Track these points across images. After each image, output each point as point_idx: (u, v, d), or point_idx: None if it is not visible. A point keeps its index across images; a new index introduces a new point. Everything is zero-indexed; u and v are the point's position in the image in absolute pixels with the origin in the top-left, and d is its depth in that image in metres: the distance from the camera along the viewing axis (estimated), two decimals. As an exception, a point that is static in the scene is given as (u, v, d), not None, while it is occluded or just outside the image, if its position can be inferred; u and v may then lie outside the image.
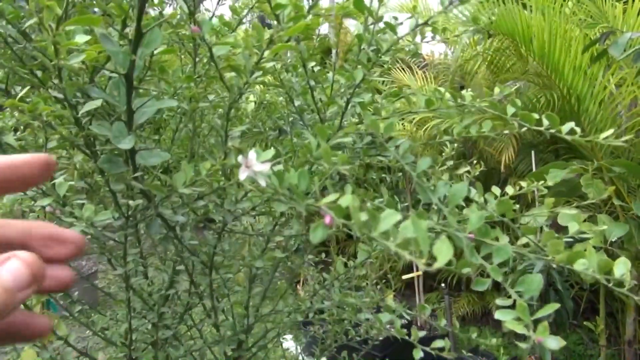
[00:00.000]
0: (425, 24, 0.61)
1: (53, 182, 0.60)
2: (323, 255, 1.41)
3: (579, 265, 0.45)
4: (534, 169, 3.41)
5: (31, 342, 0.24)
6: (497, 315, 0.42)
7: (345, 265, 0.99)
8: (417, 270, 4.23)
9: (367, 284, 1.27)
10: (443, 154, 1.02)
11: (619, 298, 3.45)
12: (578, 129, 0.58)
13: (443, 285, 4.23)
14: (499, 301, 0.43)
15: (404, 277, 3.98)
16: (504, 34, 3.58)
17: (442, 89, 0.65)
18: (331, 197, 0.36)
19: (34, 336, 0.27)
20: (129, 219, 0.63)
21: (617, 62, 3.06)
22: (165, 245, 0.69)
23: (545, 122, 0.57)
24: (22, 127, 0.79)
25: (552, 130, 0.56)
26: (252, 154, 0.35)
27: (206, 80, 0.80)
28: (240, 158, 0.34)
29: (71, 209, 0.58)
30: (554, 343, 0.39)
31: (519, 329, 0.40)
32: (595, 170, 2.93)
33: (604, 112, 3.16)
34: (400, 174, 1.09)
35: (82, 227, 0.55)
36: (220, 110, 0.67)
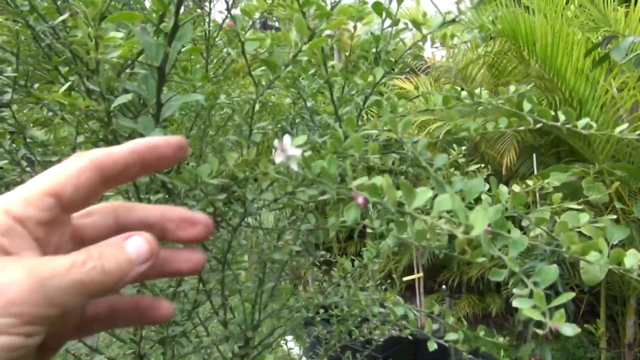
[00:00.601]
0: (450, 22, 0.62)
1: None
2: (328, 255, 1.43)
3: (591, 257, 0.47)
4: (535, 172, 3.43)
5: (156, 324, 0.26)
6: (515, 303, 0.44)
7: (352, 263, 1.01)
8: (418, 272, 4.24)
9: (371, 283, 1.28)
10: (450, 156, 1.04)
11: (619, 301, 3.47)
12: (594, 124, 0.60)
13: (444, 287, 4.25)
14: (516, 290, 0.45)
15: (405, 278, 3.99)
16: (506, 37, 3.60)
17: (458, 88, 0.67)
18: (362, 180, 0.37)
19: (158, 319, 0.29)
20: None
21: (618, 66, 3.08)
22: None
23: (562, 117, 0.59)
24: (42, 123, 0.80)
25: (568, 125, 0.57)
26: (286, 138, 0.36)
27: (222, 80, 0.82)
28: (276, 142, 0.36)
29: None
30: (569, 329, 0.41)
31: (536, 316, 0.42)
32: (596, 173, 2.95)
33: (605, 115, 3.18)
34: (402, 176, 1.11)
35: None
36: (227, 109, 0.68)
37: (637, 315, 3.33)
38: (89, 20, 0.39)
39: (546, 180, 0.91)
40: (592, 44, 2.92)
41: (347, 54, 0.83)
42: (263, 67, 0.56)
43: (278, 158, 0.39)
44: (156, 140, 0.28)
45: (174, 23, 0.39)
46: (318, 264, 1.35)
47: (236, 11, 1.05)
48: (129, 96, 0.48)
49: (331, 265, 1.46)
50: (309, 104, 0.98)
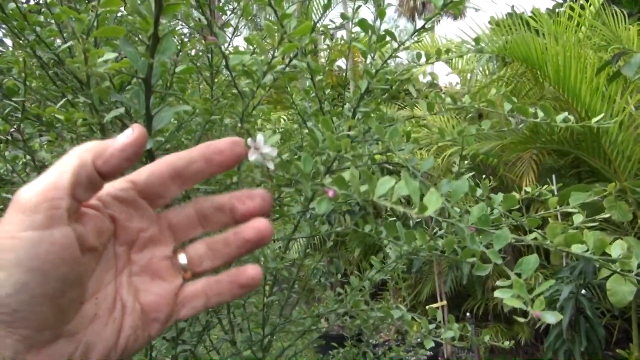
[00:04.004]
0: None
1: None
2: (339, 276, 1.42)
3: (576, 248, 0.47)
4: (555, 194, 3.38)
5: (247, 291, 0.28)
6: (497, 293, 0.44)
7: (359, 274, 1.01)
8: (441, 300, 4.15)
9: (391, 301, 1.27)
10: (453, 169, 1.04)
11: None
12: (572, 117, 0.60)
13: (468, 314, 4.14)
14: (499, 282, 0.45)
15: (428, 307, 3.91)
16: (518, 60, 3.62)
17: (442, 95, 0.68)
18: (331, 178, 0.39)
19: (248, 283, 0.32)
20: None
21: (634, 83, 3.05)
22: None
23: (540, 113, 0.60)
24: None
25: (547, 121, 0.58)
26: (259, 136, 0.38)
27: (224, 104, 0.85)
28: (249, 140, 0.37)
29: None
30: (552, 317, 0.40)
31: (518, 305, 0.41)
32: (618, 192, 2.88)
33: (624, 133, 3.13)
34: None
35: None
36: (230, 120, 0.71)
37: (674, 341, 3.17)
38: (77, 35, 0.42)
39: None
40: (604, 62, 2.91)
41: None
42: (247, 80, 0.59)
43: (252, 156, 0.40)
44: (219, 143, 0.30)
45: (153, 34, 0.42)
46: (330, 284, 1.35)
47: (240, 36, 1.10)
48: (122, 109, 0.50)
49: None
50: (309, 124, 1.01)
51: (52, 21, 0.69)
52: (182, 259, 0.32)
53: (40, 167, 0.76)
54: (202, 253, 0.32)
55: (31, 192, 0.26)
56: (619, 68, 2.32)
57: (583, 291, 3.11)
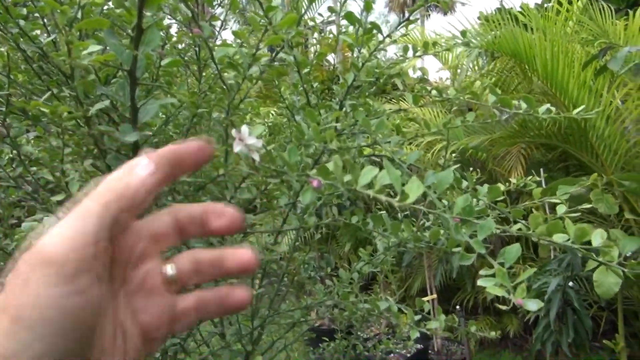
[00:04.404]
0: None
1: (66, 181, 0.65)
2: (329, 269, 1.43)
3: (557, 237, 0.47)
4: (543, 187, 3.41)
5: (236, 311, 0.28)
6: (480, 282, 0.44)
7: (349, 269, 1.01)
8: (432, 294, 4.18)
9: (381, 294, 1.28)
10: (440, 161, 1.05)
11: (640, 317, 3.37)
12: (553, 108, 0.61)
13: (458, 307, 4.17)
14: (482, 271, 0.46)
15: (417, 299, 3.93)
16: (507, 55, 3.64)
17: (428, 88, 0.69)
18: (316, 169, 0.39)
19: (236, 305, 0.31)
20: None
21: (621, 78, 3.08)
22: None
23: (523, 105, 0.60)
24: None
25: (530, 112, 0.59)
26: (244, 128, 0.38)
27: (212, 99, 0.85)
28: (234, 131, 0.37)
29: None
30: (534, 305, 0.41)
31: (500, 293, 0.42)
32: (605, 185, 2.92)
33: (611, 127, 3.17)
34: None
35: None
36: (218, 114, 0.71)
37: (660, 331, 3.23)
38: (60, 27, 0.42)
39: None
40: (591, 57, 2.94)
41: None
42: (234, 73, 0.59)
43: (237, 147, 0.40)
44: (179, 147, 0.30)
45: (137, 26, 0.42)
46: (319, 278, 1.35)
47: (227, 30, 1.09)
48: (107, 102, 0.50)
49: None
50: (298, 117, 1.01)
51: (37, 14, 0.69)
52: (171, 269, 0.31)
53: (24, 162, 0.75)
54: (188, 269, 0.31)
55: (56, 245, 0.25)
56: (605, 62, 2.35)
57: (570, 283, 3.15)
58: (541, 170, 3.38)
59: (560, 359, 3.29)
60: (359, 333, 1.43)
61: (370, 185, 0.34)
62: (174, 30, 1.03)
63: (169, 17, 0.88)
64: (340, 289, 0.93)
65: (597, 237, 0.47)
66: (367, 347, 1.48)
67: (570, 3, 3.76)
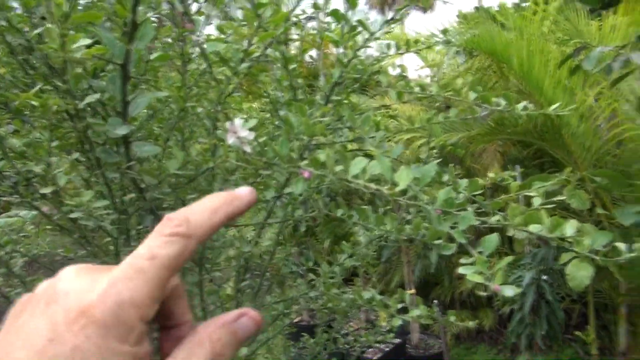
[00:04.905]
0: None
1: (53, 174, 0.65)
2: (310, 264, 1.45)
3: (533, 228, 0.50)
4: (519, 183, 3.48)
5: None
6: (461, 270, 0.47)
7: (330, 263, 1.03)
8: (410, 289, 4.24)
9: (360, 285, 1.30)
10: (421, 155, 1.07)
11: (610, 310, 3.48)
12: (531, 105, 0.64)
13: (436, 302, 4.24)
14: (463, 260, 0.48)
15: (399, 290, 3.98)
16: (484, 53, 3.71)
17: (412, 84, 0.71)
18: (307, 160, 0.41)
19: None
20: (122, 213, 0.67)
21: (594, 77, 3.17)
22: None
23: (502, 102, 0.63)
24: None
25: (509, 109, 0.61)
26: (238, 121, 0.40)
27: (197, 93, 0.85)
28: (227, 124, 0.39)
29: (70, 200, 0.62)
30: (510, 291, 0.43)
31: (479, 280, 0.44)
32: (578, 181, 3.00)
33: (584, 125, 3.26)
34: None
35: (80, 214, 0.59)
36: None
37: (629, 323, 3.34)
38: (55, 20, 0.42)
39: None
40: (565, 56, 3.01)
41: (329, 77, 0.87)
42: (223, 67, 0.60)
43: (230, 140, 0.42)
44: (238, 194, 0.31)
45: (132, 20, 0.43)
46: (301, 273, 1.37)
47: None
48: (97, 95, 0.51)
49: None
50: (281, 113, 1.02)
51: (19, 7, 0.68)
52: None
53: (8, 154, 0.75)
54: None
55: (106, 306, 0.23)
56: (579, 62, 2.41)
57: (544, 277, 3.24)
58: (517, 166, 3.46)
59: (534, 351, 3.38)
60: (339, 327, 1.45)
61: (360, 176, 0.36)
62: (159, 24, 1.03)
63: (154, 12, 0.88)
64: (323, 282, 0.95)
65: (570, 227, 0.50)
66: (347, 340, 1.51)
67: (546, 3, 3.84)
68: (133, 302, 0.24)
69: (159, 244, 0.26)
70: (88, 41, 0.52)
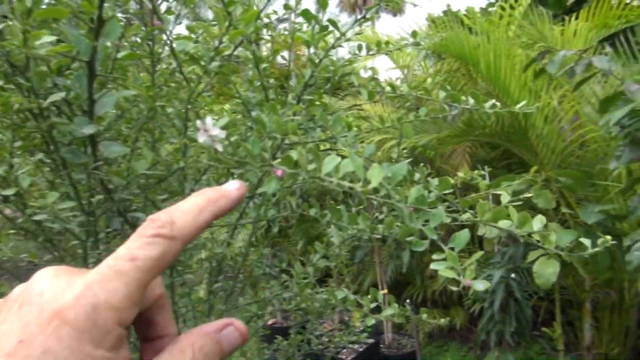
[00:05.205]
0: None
1: (16, 175, 0.63)
2: (284, 265, 1.44)
3: (503, 224, 0.51)
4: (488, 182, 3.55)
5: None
6: (433, 265, 0.47)
7: (303, 264, 1.03)
8: (383, 289, 4.27)
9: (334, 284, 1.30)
10: (393, 154, 1.08)
11: (575, 306, 3.59)
12: (498, 104, 0.65)
13: (408, 301, 4.29)
14: (435, 256, 0.49)
15: (369, 296, 4.01)
16: (453, 56, 3.78)
17: (383, 84, 0.72)
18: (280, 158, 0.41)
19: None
20: (89, 215, 0.66)
21: (557, 80, 3.27)
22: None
23: (471, 100, 0.64)
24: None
25: (477, 107, 0.63)
26: (208, 119, 0.39)
27: (167, 93, 0.84)
28: (198, 122, 0.38)
29: (34, 202, 0.60)
30: (481, 285, 0.44)
31: (451, 275, 0.45)
32: (544, 181, 3.09)
33: (549, 126, 3.35)
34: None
35: (45, 216, 0.57)
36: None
37: (593, 319, 3.44)
38: (17, 15, 0.41)
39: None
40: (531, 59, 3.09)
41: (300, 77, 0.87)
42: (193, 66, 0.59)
43: (201, 138, 0.41)
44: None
45: (98, 16, 0.42)
46: (274, 274, 1.36)
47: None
48: (63, 93, 0.49)
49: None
50: (253, 113, 1.02)
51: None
52: None
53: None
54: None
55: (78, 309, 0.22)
56: (544, 65, 2.48)
57: (513, 275, 3.31)
58: (485, 167, 3.53)
59: (504, 347, 3.45)
60: (312, 328, 1.45)
61: (333, 174, 0.36)
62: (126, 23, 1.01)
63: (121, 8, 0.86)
64: (296, 283, 0.95)
65: (537, 222, 0.51)
66: (321, 341, 1.51)
67: (512, 8, 3.94)
68: (110, 304, 0.23)
69: (139, 245, 0.25)
70: (52, 38, 0.51)
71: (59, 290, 0.23)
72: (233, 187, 0.30)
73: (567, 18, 3.75)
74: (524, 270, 3.58)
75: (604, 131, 2.74)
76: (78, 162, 0.54)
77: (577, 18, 3.70)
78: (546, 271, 2.67)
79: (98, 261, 0.83)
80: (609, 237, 0.61)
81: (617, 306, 3.43)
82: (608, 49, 3.48)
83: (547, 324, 4.00)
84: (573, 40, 3.54)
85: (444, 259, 0.47)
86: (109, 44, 0.46)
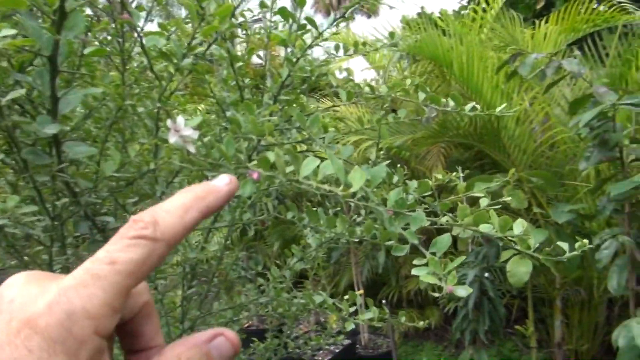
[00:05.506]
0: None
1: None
2: (260, 267, 1.42)
3: (483, 227, 0.50)
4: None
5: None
6: (414, 271, 0.46)
7: (279, 267, 1.01)
8: (359, 290, 4.28)
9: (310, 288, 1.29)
10: (371, 156, 1.08)
11: (546, 303, 3.67)
12: (479, 106, 0.65)
13: (384, 301, 4.31)
14: (416, 261, 0.47)
15: (346, 297, 4.01)
16: (427, 58, 3.81)
17: (361, 84, 0.71)
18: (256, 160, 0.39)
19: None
20: (54, 220, 0.62)
21: (528, 82, 3.34)
22: (92, 250, 0.68)
23: (451, 102, 0.64)
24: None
25: (457, 110, 0.62)
26: (180, 118, 0.37)
27: (137, 93, 0.81)
28: (169, 122, 0.36)
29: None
30: (463, 291, 0.43)
31: (433, 281, 0.44)
32: (516, 181, 3.14)
33: (520, 128, 3.41)
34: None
35: (6, 221, 0.53)
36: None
37: (563, 316, 3.52)
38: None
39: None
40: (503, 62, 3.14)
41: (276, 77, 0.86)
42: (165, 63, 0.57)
43: (172, 139, 0.39)
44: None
45: (60, 8, 0.39)
46: (250, 277, 1.34)
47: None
48: (23, 91, 0.46)
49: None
50: (228, 113, 0.99)
51: None
52: None
53: None
54: None
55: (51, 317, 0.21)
56: (515, 68, 2.52)
57: (486, 274, 3.36)
58: (459, 168, 3.57)
59: (478, 346, 3.50)
60: (289, 332, 1.43)
61: (311, 177, 0.34)
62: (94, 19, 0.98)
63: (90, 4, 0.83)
64: (273, 287, 0.93)
65: (518, 226, 0.51)
66: (297, 344, 1.49)
67: (484, 11, 4.00)
68: (86, 312, 0.21)
69: (120, 248, 0.22)
70: (13, 32, 0.48)
71: (30, 297, 0.21)
72: (223, 183, 0.28)
73: (537, 22, 3.83)
74: (497, 269, 3.64)
75: (574, 132, 2.80)
76: (40, 163, 0.51)
77: (547, 22, 3.78)
78: (519, 270, 2.72)
79: (65, 267, 0.79)
80: (586, 241, 0.62)
81: (587, 303, 3.52)
82: (577, 52, 3.57)
83: (519, 321, 4.07)
84: (543, 43, 3.62)
85: (426, 264, 0.46)
86: (73, 38, 0.44)
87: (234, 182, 0.28)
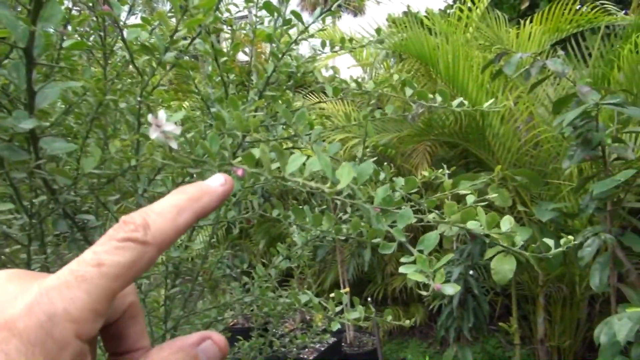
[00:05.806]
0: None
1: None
2: (245, 266, 1.41)
3: (471, 224, 0.50)
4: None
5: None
6: (401, 269, 0.45)
7: (265, 265, 1.00)
8: (345, 288, 4.29)
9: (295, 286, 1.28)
10: (358, 153, 1.07)
11: (530, 300, 3.71)
12: (466, 102, 0.64)
13: (370, 299, 4.32)
14: (403, 259, 0.47)
15: (332, 295, 4.01)
16: (413, 57, 3.82)
17: (348, 80, 0.70)
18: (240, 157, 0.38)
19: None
20: (32, 218, 0.60)
21: (513, 81, 3.36)
22: (73, 249, 0.66)
23: (439, 98, 0.63)
24: None
25: (445, 105, 0.62)
26: (162, 113, 0.35)
27: (119, 88, 0.79)
28: (150, 117, 0.35)
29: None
30: (450, 289, 0.43)
31: (421, 279, 0.44)
32: (500, 180, 3.17)
33: (505, 126, 3.44)
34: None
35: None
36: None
37: (546, 313, 3.56)
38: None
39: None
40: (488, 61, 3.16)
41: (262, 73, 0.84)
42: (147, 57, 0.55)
43: (153, 134, 0.38)
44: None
45: (36, -4, 0.38)
46: (235, 275, 1.33)
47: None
48: (-3, 84, 0.45)
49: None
50: (213, 110, 0.98)
51: None
52: None
53: None
54: None
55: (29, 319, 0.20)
56: (500, 67, 2.54)
57: (471, 272, 3.39)
58: (445, 166, 3.59)
59: (462, 342, 3.53)
60: (274, 330, 1.42)
61: (297, 174, 0.33)
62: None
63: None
64: (258, 285, 0.92)
65: (506, 223, 0.50)
66: (283, 342, 1.48)
67: (470, 10, 4.02)
68: (68, 315, 0.20)
69: (107, 250, 0.21)
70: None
71: (9, 297, 0.20)
72: (217, 183, 0.27)
73: (522, 22, 3.86)
74: (482, 267, 3.67)
75: (557, 132, 2.83)
76: (17, 159, 0.49)
77: (531, 22, 3.81)
78: (503, 268, 2.74)
79: (44, 267, 0.77)
80: (571, 237, 0.62)
81: (569, 300, 3.57)
82: (560, 52, 3.61)
83: (503, 318, 4.12)
84: (528, 43, 3.65)
85: (413, 262, 0.45)
86: (51, 30, 0.42)
87: (230, 182, 0.27)
